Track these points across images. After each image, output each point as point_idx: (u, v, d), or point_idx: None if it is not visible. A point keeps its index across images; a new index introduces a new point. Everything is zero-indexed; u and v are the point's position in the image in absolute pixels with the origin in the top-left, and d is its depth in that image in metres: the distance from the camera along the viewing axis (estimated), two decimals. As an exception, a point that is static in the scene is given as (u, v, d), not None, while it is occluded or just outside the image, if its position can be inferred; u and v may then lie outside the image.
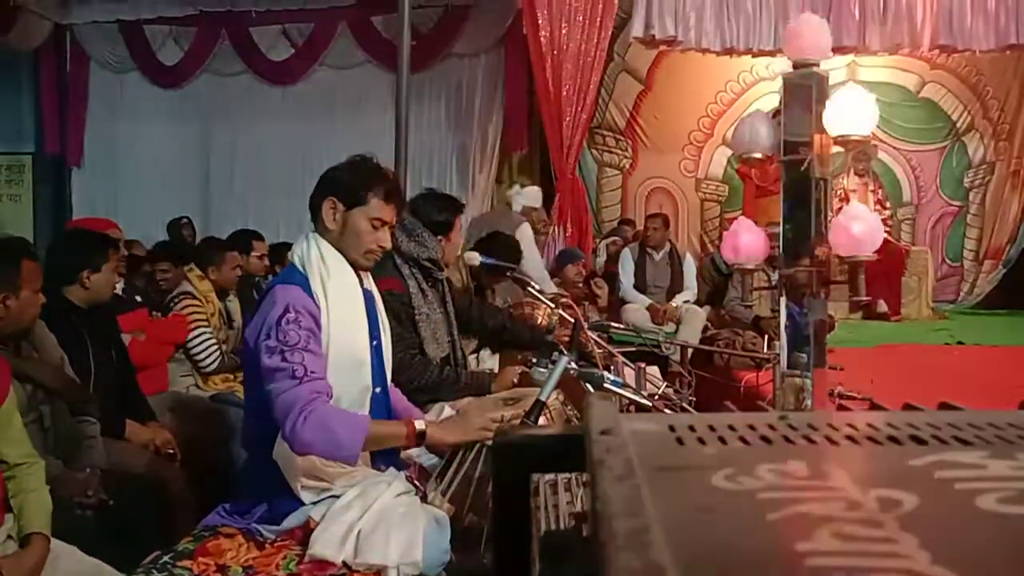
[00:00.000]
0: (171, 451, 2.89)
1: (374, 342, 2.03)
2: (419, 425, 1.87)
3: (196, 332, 3.68)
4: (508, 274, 3.29)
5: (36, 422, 2.32)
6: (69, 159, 8.32)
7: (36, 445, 2.18)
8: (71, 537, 2.04)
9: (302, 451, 1.80)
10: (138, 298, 3.87)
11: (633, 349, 3.26)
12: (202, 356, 3.70)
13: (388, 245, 2.05)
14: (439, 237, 2.72)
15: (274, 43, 8.03)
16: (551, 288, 4.58)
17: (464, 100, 7.80)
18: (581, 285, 5.57)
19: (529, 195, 5.52)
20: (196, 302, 3.74)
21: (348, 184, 1.98)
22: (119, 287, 3.50)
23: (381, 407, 2.02)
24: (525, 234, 4.87)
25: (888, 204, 7.73)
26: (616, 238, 7.12)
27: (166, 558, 1.81)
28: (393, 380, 2.18)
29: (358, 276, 2.01)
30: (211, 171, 8.28)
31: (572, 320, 2.45)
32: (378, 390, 2.01)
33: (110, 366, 2.87)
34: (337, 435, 1.76)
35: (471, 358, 3.22)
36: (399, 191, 2.07)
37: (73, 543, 2.03)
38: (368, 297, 2.03)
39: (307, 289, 1.89)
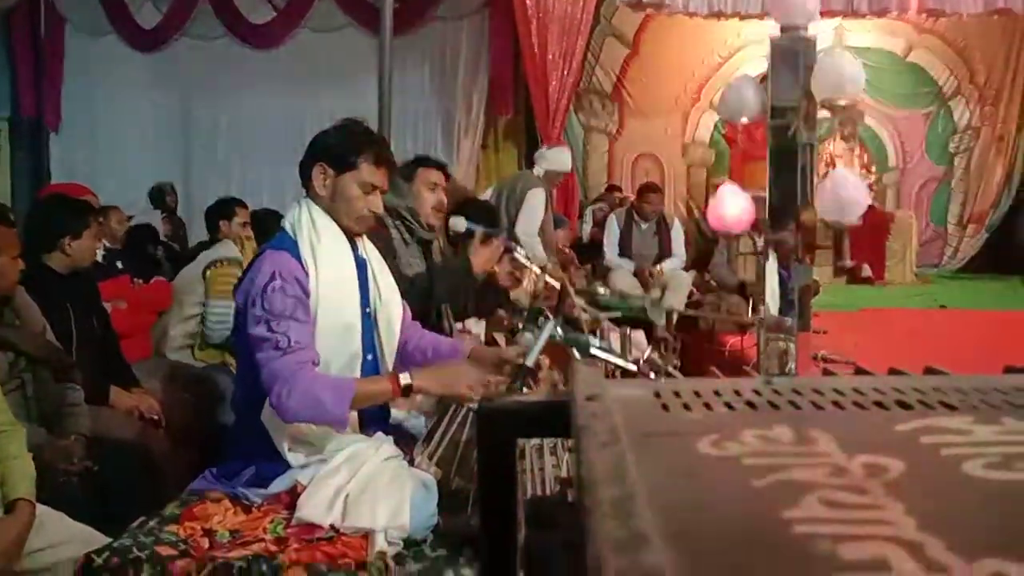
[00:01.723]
0: (155, 416, 2.89)
1: (367, 308, 2.01)
2: (404, 379, 1.87)
3: (220, 301, 3.50)
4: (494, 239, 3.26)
5: (19, 389, 2.31)
6: (46, 123, 8.17)
7: (19, 413, 2.17)
8: (57, 503, 2.05)
9: (291, 421, 1.81)
10: (119, 264, 3.82)
11: (619, 314, 3.26)
12: (213, 324, 3.55)
13: (380, 210, 2.03)
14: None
15: (255, 6, 7.85)
16: (541, 254, 4.50)
17: (448, 64, 7.68)
18: (568, 251, 5.54)
19: (550, 157, 5.19)
20: (238, 273, 3.59)
21: (338, 149, 1.95)
22: (99, 254, 3.45)
23: (371, 374, 2.00)
24: (532, 198, 4.73)
25: (874, 169, 7.75)
26: (603, 204, 7.09)
27: (152, 523, 1.81)
28: None
29: (352, 242, 1.99)
30: (192, 136, 8.14)
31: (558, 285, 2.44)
32: (369, 357, 2.01)
33: (92, 332, 2.85)
34: (323, 402, 1.77)
35: (456, 325, 3.21)
36: (390, 155, 2.04)
37: (59, 509, 2.03)
38: (361, 264, 2.01)
39: (295, 254, 1.88)
